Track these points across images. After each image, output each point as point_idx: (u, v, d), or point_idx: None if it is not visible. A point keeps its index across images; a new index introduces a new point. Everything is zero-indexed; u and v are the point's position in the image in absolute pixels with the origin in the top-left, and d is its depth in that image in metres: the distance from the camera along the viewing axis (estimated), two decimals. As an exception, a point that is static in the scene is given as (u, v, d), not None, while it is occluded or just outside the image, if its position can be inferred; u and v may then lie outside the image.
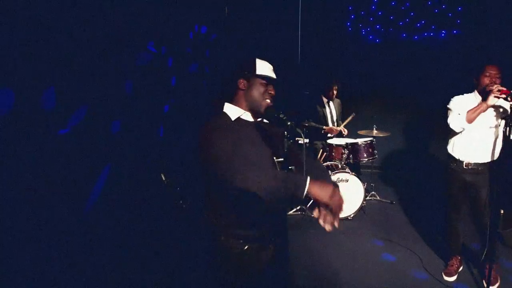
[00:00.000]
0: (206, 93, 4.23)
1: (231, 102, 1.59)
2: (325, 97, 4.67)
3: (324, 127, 4.57)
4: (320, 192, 1.28)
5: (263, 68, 1.58)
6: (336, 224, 1.34)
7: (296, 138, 3.83)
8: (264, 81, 1.55)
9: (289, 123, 1.36)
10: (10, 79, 1.82)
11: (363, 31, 6.01)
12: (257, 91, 1.54)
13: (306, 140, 4.57)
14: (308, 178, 1.27)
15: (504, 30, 5.13)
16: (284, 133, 1.36)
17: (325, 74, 5.55)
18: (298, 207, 4.16)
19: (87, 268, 2.37)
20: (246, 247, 1.55)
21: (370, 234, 3.71)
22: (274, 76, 1.59)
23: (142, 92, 2.97)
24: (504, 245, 3.35)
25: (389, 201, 4.59)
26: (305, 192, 1.25)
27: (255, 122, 1.59)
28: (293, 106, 5.31)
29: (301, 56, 5.27)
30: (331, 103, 4.71)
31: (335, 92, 4.64)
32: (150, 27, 3.03)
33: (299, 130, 1.37)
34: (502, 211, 2.46)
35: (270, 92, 1.56)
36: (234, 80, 1.58)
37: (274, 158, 1.53)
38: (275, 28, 5.42)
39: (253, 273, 1.61)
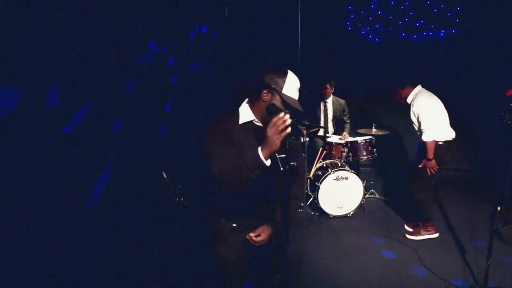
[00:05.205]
0: (206, 92, 4.25)
1: (250, 103, 1.62)
2: (320, 95, 4.70)
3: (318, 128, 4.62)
4: (269, 149, 1.36)
5: (291, 88, 1.54)
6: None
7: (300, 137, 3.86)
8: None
9: (290, 120, 1.39)
10: (15, 77, 1.84)
11: (362, 31, 6.04)
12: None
13: (307, 139, 4.59)
14: (259, 148, 1.38)
15: (502, 30, 5.16)
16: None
17: (324, 76, 5.59)
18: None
19: (89, 263, 2.40)
20: (234, 225, 1.71)
21: (370, 232, 3.74)
22: (297, 97, 1.57)
23: (144, 90, 2.99)
24: (502, 242, 3.39)
25: (388, 199, 4.62)
26: (262, 158, 1.37)
27: (265, 128, 1.62)
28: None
29: (300, 55, 5.29)
30: (327, 102, 4.72)
31: (327, 90, 4.62)
32: (152, 26, 3.05)
33: (300, 127, 1.41)
34: (499, 208, 2.48)
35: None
36: (259, 87, 1.55)
37: (277, 155, 1.55)
38: (275, 28, 5.45)
39: (242, 249, 1.74)
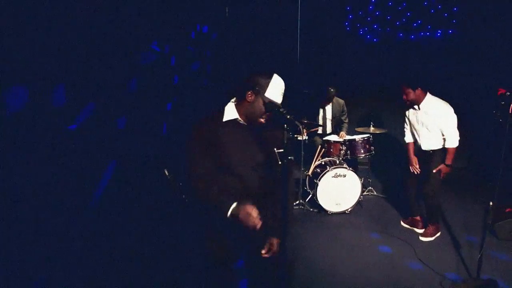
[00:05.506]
0: (207, 91, 4.32)
1: (236, 102, 1.68)
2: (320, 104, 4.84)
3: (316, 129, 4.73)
4: (236, 217, 1.56)
5: (274, 91, 1.60)
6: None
7: (295, 135, 3.93)
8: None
9: (288, 116, 1.46)
10: (23, 77, 1.91)
11: (360, 31, 6.12)
12: (258, 110, 1.61)
13: (305, 137, 4.67)
14: (234, 204, 1.55)
15: (499, 30, 5.24)
16: (284, 126, 1.45)
17: (322, 75, 5.67)
18: (297, 202, 4.26)
19: (91, 260, 2.46)
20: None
21: (367, 227, 3.82)
22: (280, 100, 1.63)
23: (147, 90, 3.07)
24: (497, 238, 3.46)
25: (385, 196, 4.70)
26: (229, 212, 1.56)
27: (248, 125, 1.69)
28: (292, 104, 5.43)
29: (300, 55, 5.36)
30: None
31: (328, 101, 4.79)
32: (154, 27, 3.12)
33: (298, 123, 1.47)
34: (491, 203, 2.55)
35: (268, 114, 1.63)
36: (245, 88, 1.61)
37: (275, 149, 1.62)
38: (275, 28, 5.52)
39: (232, 235, 1.76)
